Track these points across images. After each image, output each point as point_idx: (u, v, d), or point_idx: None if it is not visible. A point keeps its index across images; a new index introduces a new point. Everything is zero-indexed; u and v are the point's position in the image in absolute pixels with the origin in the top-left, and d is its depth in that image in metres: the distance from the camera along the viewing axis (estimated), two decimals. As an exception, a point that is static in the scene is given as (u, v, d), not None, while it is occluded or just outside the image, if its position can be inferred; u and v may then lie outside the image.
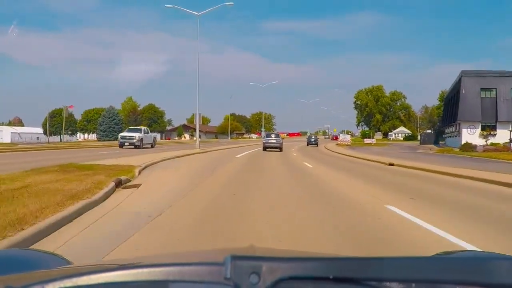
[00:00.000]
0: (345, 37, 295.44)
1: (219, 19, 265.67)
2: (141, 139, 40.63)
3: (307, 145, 67.40)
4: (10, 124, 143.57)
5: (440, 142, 68.02)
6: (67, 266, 1.47)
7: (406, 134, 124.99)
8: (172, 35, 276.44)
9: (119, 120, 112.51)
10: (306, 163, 24.58)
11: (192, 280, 0.84)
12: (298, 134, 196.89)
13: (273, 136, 42.60)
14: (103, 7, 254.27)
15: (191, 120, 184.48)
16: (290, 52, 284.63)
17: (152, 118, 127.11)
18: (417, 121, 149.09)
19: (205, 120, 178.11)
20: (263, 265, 0.79)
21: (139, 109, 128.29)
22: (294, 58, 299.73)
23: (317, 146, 67.15)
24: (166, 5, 41.13)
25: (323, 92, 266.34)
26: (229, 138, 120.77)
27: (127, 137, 40.37)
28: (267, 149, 39.60)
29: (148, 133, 44.29)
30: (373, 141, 77.04)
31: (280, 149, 40.06)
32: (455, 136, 56.11)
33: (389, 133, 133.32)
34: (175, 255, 1.94)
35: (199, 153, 33.05)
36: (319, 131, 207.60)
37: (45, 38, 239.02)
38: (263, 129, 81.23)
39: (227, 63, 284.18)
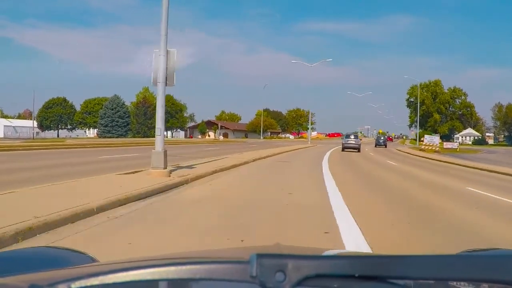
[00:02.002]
0: (379, 39, 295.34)
1: (253, 20, 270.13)
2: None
3: (375, 146, 64.57)
4: (20, 117, 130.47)
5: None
6: (93, 263, 1.46)
7: (476, 137, 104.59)
8: (207, 33, 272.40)
9: (124, 112, 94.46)
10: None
11: (219, 278, 0.84)
12: (338, 134, 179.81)
13: (352, 137, 43.28)
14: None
15: (220, 117, 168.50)
16: (324, 53, 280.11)
17: (169, 112, 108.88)
18: (482, 123, 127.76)
19: (235, 117, 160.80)
20: (288, 263, 0.79)
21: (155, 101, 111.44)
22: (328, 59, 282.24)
23: (386, 147, 63.75)
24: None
25: (358, 92, 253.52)
26: (261, 137, 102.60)
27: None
28: (345, 150, 41.41)
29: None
30: (454, 145, 57.39)
31: (359, 149, 41.61)
32: None
33: (455, 136, 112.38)
34: (201, 253, 1.79)
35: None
36: (360, 132, 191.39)
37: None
38: (309, 127, 65.12)
39: (262, 63, 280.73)
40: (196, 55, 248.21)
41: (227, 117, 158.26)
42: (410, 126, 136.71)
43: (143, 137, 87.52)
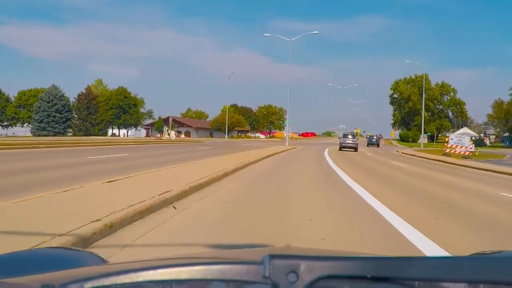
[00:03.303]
0: (352, 39, 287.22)
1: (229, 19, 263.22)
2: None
3: (368, 146, 61.66)
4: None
5: None
6: (104, 264, 1.48)
7: (473, 138, 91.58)
8: (178, 32, 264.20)
9: (63, 106, 78.14)
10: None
11: (232, 279, 0.85)
12: (313, 134, 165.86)
13: (349, 137, 42.97)
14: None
15: (186, 114, 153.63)
16: (296, 53, 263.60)
17: (122, 107, 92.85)
18: (471, 122, 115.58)
19: (202, 115, 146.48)
20: (301, 264, 0.80)
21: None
22: (300, 59, 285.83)
23: (378, 146, 62.06)
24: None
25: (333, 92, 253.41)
26: (226, 136, 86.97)
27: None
28: (342, 149, 41.26)
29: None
30: (471, 147, 42.68)
31: (356, 149, 41.24)
32: None
33: (450, 136, 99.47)
34: (213, 254, 1.90)
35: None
36: (333, 133, 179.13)
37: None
38: (287, 126, 49.61)
39: (233, 61, 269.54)
40: (166, 52, 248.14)
41: (194, 115, 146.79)
42: (394, 125, 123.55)
43: (85, 135, 74.18)
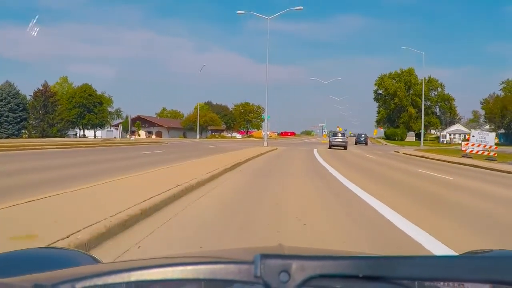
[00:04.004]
0: (332, 39, 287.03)
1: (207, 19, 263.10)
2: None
3: (356, 144, 58.15)
4: None
5: None
6: (96, 264, 1.49)
7: (466, 136, 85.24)
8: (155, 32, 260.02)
9: (17, 105, 69.54)
10: None
11: (223, 279, 0.85)
12: (292, 133, 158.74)
13: (339, 135, 42.64)
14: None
15: (161, 114, 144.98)
16: (274, 53, 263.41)
17: (86, 106, 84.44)
18: (459, 119, 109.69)
19: (177, 115, 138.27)
20: (292, 263, 0.79)
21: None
22: (281, 59, 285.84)
23: (366, 145, 59.18)
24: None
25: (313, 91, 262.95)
26: (198, 136, 78.50)
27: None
28: (332, 147, 41.21)
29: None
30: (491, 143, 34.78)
31: (345, 147, 41.20)
32: None
33: (443, 134, 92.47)
34: (205, 254, 1.86)
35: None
36: (313, 132, 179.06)
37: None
38: (265, 121, 41.26)
39: (213, 62, 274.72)
40: (143, 52, 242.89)
41: (169, 115, 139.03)
42: (379, 123, 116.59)
43: (41, 136, 65.54)
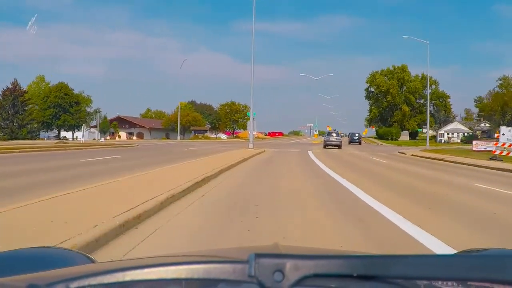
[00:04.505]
0: (317, 39, 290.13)
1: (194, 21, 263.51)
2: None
3: (349, 144, 57.43)
4: None
5: None
6: (91, 264, 1.47)
7: (465, 134, 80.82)
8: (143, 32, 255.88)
9: (-23, 105, 64.30)
10: None
11: (217, 278, 0.85)
12: (280, 133, 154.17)
13: (334, 135, 43.07)
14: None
15: (145, 114, 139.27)
16: (261, 53, 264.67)
17: (61, 105, 78.87)
18: (453, 117, 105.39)
19: (162, 115, 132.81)
20: (287, 263, 0.79)
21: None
22: (268, 59, 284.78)
23: (360, 144, 58.68)
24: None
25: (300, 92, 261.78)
26: (178, 137, 72.90)
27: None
28: (327, 147, 41.67)
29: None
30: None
31: (340, 147, 41.39)
32: None
33: (440, 132, 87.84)
34: (199, 253, 1.73)
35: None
36: (301, 132, 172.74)
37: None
38: (251, 120, 34.98)
39: (201, 63, 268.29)
40: (127, 53, 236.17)
41: (153, 115, 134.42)
42: (370, 122, 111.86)
43: (10, 138, 60.63)
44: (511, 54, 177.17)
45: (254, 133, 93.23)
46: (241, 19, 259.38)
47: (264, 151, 30.10)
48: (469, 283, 0.89)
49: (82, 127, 44.25)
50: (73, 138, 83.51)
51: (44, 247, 2.11)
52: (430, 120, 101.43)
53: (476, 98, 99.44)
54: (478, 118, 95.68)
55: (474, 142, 40.48)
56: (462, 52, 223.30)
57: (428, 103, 45.80)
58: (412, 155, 31.72)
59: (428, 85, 51.49)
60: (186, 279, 0.85)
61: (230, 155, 22.58)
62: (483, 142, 40.90)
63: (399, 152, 36.06)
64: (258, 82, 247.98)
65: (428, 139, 46.71)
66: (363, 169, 17.85)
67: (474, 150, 37.41)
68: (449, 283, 0.90)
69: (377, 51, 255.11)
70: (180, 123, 79.98)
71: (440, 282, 0.89)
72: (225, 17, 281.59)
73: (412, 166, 20.58)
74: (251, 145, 31.48)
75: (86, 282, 0.83)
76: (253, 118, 33.37)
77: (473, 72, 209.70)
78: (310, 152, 30.22)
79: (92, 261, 1.54)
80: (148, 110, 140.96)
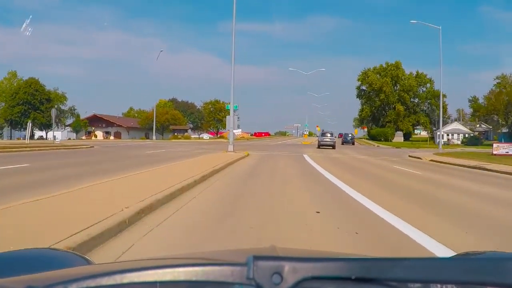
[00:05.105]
0: (305, 40, 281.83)
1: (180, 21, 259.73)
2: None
3: (342, 144, 56.49)
4: None
5: None
6: (88, 265, 1.47)
7: (466, 135, 75.21)
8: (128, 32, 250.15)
9: None
10: None
11: (216, 280, 0.84)
12: (267, 134, 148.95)
13: (328, 135, 44.08)
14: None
15: (128, 114, 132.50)
16: (248, 53, 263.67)
17: (31, 103, 72.16)
18: (448, 117, 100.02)
19: (144, 115, 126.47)
20: (285, 265, 0.79)
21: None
22: (253, 60, 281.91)
23: (353, 144, 58.67)
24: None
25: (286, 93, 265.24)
26: (154, 137, 66.10)
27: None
28: (321, 147, 42.04)
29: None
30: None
31: (333, 147, 42.01)
32: None
33: (438, 133, 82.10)
34: (197, 255, 1.76)
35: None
36: (288, 132, 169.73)
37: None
38: (231, 114, 28.22)
39: (185, 62, 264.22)
40: (113, 53, 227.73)
41: (136, 114, 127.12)
42: (362, 122, 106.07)
43: None
44: (499, 55, 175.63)
45: (238, 132, 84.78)
46: (228, 20, 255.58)
47: (247, 154, 23.70)
48: (466, 286, 0.88)
49: (29, 124, 37.25)
50: (41, 138, 77.01)
51: (43, 248, 2.08)
52: (425, 120, 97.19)
53: (471, 98, 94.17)
54: (471, 119, 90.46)
55: (494, 145, 34.55)
56: (451, 53, 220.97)
57: (441, 97, 39.17)
58: (432, 160, 25.58)
59: (441, 75, 44.44)
60: (184, 281, 0.85)
61: (201, 162, 16.23)
62: (505, 144, 35.01)
63: (410, 156, 30.05)
64: (244, 82, 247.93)
65: (441, 140, 40.72)
66: (408, 189, 11.46)
67: (494, 154, 31.64)
68: (447, 286, 0.89)
69: (367, 52, 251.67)
70: (158, 121, 73.47)
71: (438, 285, 0.88)
72: (212, 17, 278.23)
73: (461, 180, 14.36)
74: (231, 147, 24.68)
75: (84, 284, 0.83)
76: (234, 113, 26.40)
77: (462, 72, 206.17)
78: (306, 157, 23.92)
79: (89, 262, 1.52)
80: (131, 109, 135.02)
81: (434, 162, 24.46)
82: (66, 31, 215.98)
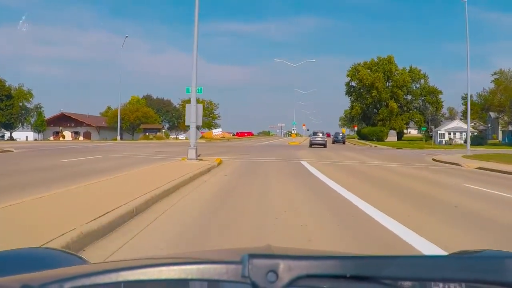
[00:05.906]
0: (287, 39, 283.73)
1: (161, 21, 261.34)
2: None
3: (333, 143, 57.59)
4: None
5: None
6: (83, 264, 1.48)
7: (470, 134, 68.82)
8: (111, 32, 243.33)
9: None
10: None
11: (211, 279, 0.85)
12: (250, 133, 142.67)
13: (320, 135, 45.70)
14: None
15: (105, 113, 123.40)
16: (229, 53, 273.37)
17: None
18: (442, 115, 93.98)
19: (111, 113, 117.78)
20: (280, 263, 0.79)
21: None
22: (235, 60, 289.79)
23: (344, 144, 59.17)
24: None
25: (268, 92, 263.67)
26: (119, 137, 58.17)
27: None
28: (313, 146, 43.16)
29: None
30: None
31: (325, 146, 43.30)
32: None
33: (440, 132, 75.23)
34: (193, 254, 1.79)
35: None
36: (271, 132, 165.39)
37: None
38: (192, 101, 21.86)
39: (167, 64, 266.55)
40: (93, 53, 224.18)
41: (113, 114, 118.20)
42: (352, 120, 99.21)
43: None
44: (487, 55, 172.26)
45: (218, 132, 76.13)
46: (210, 21, 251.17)
47: (219, 163, 16.02)
48: (462, 284, 0.87)
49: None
50: (11, 138, 69.04)
51: (39, 247, 2.07)
52: (419, 118, 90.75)
53: (464, 95, 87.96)
54: (474, 116, 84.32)
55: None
56: (437, 52, 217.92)
57: (468, 85, 31.78)
58: (481, 168, 18.23)
59: (468, 61, 36.24)
60: (179, 280, 0.85)
61: (96, 193, 8.73)
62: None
63: (435, 160, 22.89)
64: (226, 83, 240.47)
65: (469, 142, 33.38)
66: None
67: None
68: (442, 284, 0.88)
69: (355, 52, 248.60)
70: (127, 120, 65.56)
71: (432, 283, 0.87)
72: (192, 17, 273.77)
73: None
74: (192, 153, 16.39)
75: (79, 282, 0.83)
76: (196, 97, 17.68)
77: (446, 71, 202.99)
78: (307, 166, 16.42)
79: (85, 261, 1.52)
80: (109, 108, 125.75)
81: (484, 171, 17.23)
82: (43, 31, 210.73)
